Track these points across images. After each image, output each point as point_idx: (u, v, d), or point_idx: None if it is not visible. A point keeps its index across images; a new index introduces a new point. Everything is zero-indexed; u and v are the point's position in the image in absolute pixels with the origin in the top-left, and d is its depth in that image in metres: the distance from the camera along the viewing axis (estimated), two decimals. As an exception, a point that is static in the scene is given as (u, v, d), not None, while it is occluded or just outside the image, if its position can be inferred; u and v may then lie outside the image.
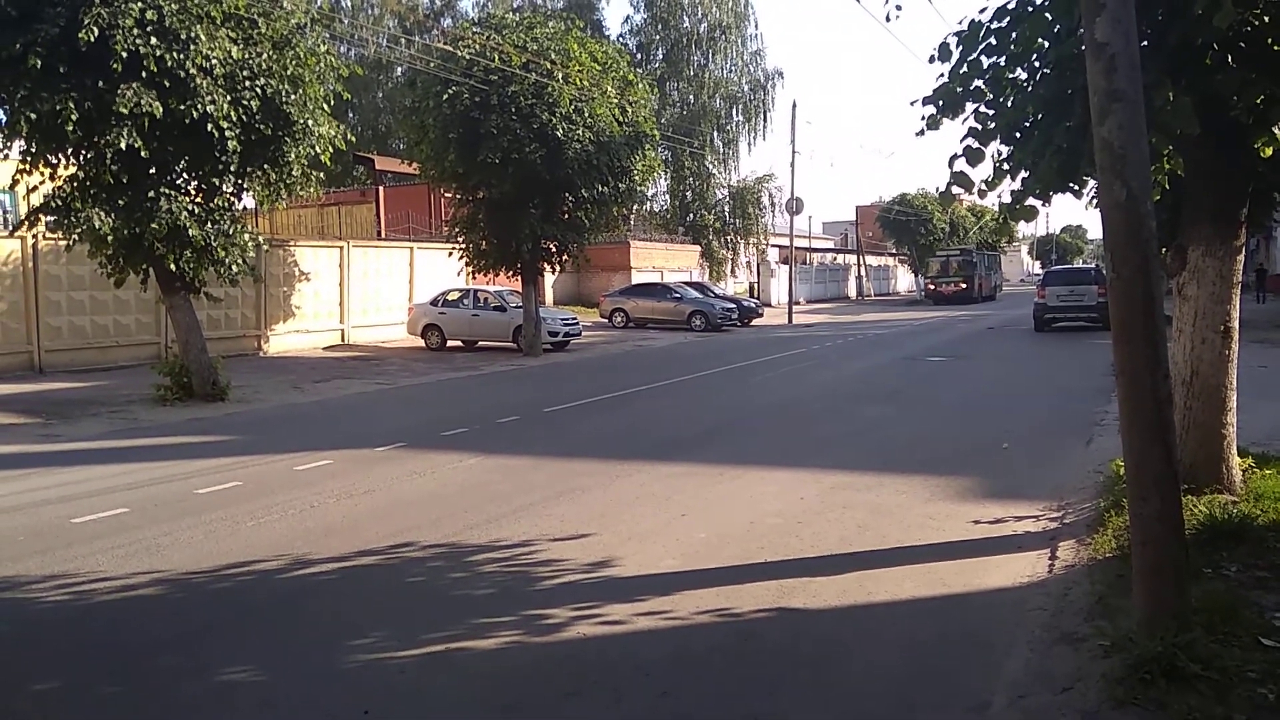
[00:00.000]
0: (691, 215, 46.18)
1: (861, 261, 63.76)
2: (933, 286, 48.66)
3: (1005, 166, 6.37)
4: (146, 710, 4.20)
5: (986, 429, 10.93)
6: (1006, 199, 6.46)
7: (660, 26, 45.89)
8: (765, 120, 47.37)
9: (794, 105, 36.51)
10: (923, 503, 7.58)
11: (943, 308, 44.13)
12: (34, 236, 16.35)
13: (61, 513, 7.61)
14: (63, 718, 4.16)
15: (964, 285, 47.15)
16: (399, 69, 38.49)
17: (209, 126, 12.31)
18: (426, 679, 4.49)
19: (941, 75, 6.43)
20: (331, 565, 6.17)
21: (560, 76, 19.67)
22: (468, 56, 19.65)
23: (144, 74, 11.65)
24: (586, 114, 20.01)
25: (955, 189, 6.14)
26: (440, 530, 6.93)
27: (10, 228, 15.81)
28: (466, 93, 19.22)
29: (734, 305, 32.61)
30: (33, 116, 11.48)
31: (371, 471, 9.17)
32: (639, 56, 43.92)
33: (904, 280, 68.43)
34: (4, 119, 12.14)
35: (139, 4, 11.56)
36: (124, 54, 11.39)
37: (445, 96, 19.21)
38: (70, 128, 11.45)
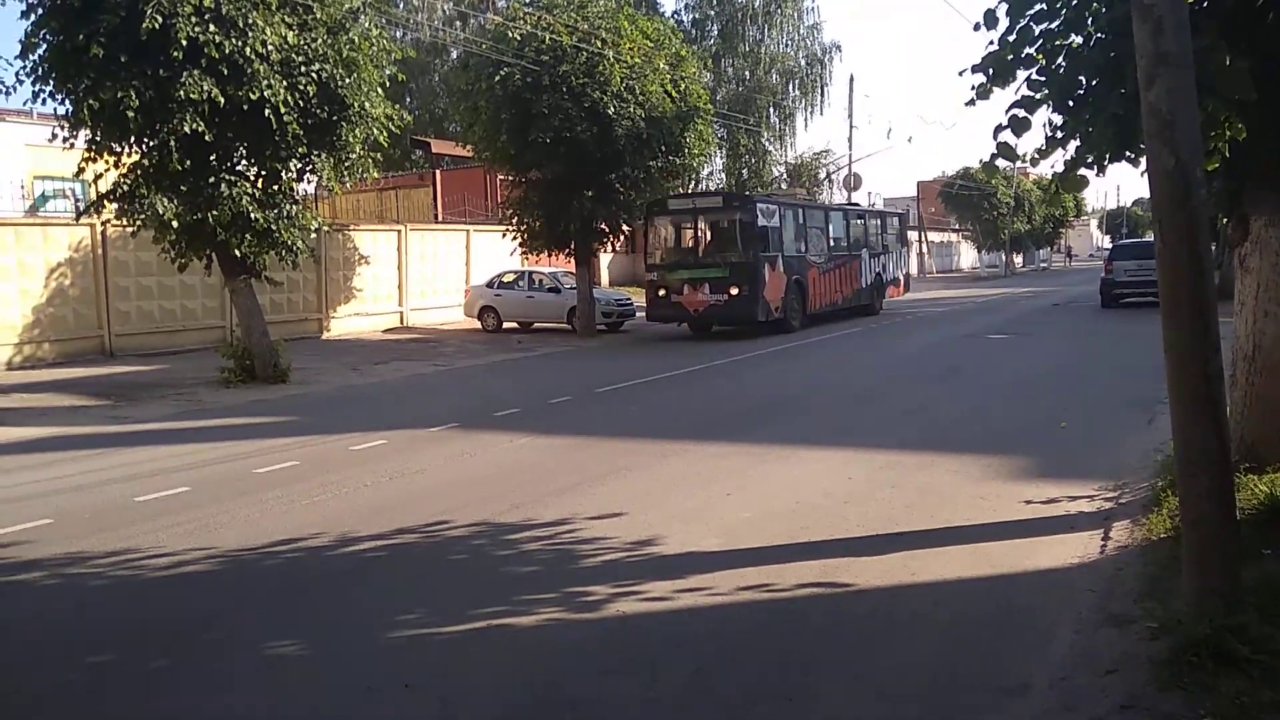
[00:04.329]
0: (748, 193, 45.77)
1: (923, 238, 62.57)
2: (661, 291, 21.10)
3: (1058, 135, 6.17)
4: (194, 682, 4.33)
5: (1045, 407, 10.67)
6: (1059, 169, 6.27)
7: (715, 2, 45.31)
8: (822, 95, 46.46)
9: (851, 79, 35.68)
10: (974, 482, 7.44)
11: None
12: (103, 224, 16.77)
13: (125, 491, 7.87)
14: (113, 689, 4.31)
15: (735, 290, 19.97)
16: (454, 52, 38.69)
17: (266, 111, 12.53)
18: (467, 654, 4.55)
19: (991, 43, 6.25)
20: (380, 543, 6.28)
21: (611, 54, 19.61)
22: (519, 37, 19.70)
23: (204, 61, 11.88)
24: (638, 91, 19.92)
25: (1000, 161, 5.97)
26: (487, 509, 7.00)
27: (77, 215, 16.25)
28: (518, 73, 19.24)
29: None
30: (95, 106, 11.79)
31: (424, 451, 9.31)
32: (694, 33, 43.44)
33: (967, 256, 67.21)
34: (69, 109, 12.47)
35: None
36: (184, 42, 11.62)
37: (497, 78, 19.25)
38: (132, 115, 11.74)
